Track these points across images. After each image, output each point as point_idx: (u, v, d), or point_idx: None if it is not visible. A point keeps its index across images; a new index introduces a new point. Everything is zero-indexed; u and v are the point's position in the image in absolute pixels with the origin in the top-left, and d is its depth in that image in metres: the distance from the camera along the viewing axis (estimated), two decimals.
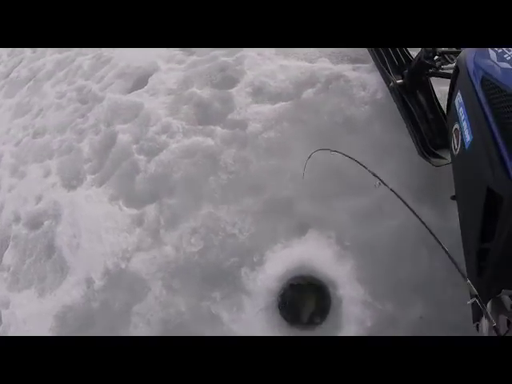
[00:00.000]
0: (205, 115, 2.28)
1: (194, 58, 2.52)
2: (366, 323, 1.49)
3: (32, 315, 1.95)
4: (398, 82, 1.88)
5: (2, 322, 2.05)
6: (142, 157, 2.20)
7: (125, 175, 2.17)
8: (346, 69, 2.16)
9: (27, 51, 3.62)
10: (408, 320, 1.46)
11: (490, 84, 1.07)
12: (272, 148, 2.03)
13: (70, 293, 1.90)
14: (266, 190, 1.91)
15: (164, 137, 2.23)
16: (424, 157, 1.71)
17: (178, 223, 1.92)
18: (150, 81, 2.49)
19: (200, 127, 2.23)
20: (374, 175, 1.23)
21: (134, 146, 2.25)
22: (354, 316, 1.50)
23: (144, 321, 1.70)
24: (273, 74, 2.27)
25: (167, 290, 1.73)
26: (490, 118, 1.07)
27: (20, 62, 3.57)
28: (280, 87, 2.22)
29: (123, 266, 1.86)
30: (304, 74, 2.22)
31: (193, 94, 2.36)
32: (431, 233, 1.02)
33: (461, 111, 1.25)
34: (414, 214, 1.07)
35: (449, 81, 1.40)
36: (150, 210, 2.01)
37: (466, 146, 1.20)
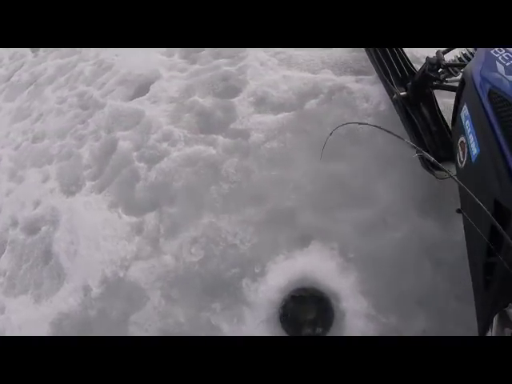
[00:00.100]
0: (207, 124, 2.27)
1: (196, 66, 2.53)
2: None
3: (28, 321, 1.90)
4: (402, 94, 1.88)
5: None
6: (142, 164, 2.18)
7: (125, 182, 2.15)
8: (348, 80, 2.17)
9: (29, 55, 3.62)
10: (411, 333, 1.43)
11: (497, 97, 1.07)
12: (274, 158, 2.02)
13: (66, 300, 1.86)
14: (268, 200, 1.89)
15: (165, 145, 2.21)
16: (427, 169, 1.71)
17: (178, 232, 1.89)
18: (152, 88, 2.49)
19: (202, 136, 2.22)
20: (414, 146, 1.20)
21: (135, 154, 2.23)
22: (357, 329, 1.47)
23: (142, 331, 1.66)
24: (275, 85, 2.27)
25: (166, 299, 1.70)
26: (498, 131, 1.07)
27: (21, 65, 3.55)
28: (283, 98, 2.22)
29: (121, 274, 1.82)
30: (307, 85, 2.22)
31: (195, 102, 2.35)
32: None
33: (467, 124, 1.25)
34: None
35: (452, 93, 1.41)
36: (150, 218, 1.98)
37: (473, 159, 1.20)
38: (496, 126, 1.08)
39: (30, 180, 2.47)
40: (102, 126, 2.44)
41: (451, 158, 1.71)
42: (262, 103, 2.23)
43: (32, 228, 2.23)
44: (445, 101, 1.90)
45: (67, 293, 1.89)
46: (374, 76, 2.13)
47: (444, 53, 1.64)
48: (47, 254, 2.08)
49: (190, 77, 2.48)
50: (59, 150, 2.48)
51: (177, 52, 2.68)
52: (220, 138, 2.16)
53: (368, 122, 1.86)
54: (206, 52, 2.59)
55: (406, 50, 2.08)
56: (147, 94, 2.48)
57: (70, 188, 2.28)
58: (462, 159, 1.31)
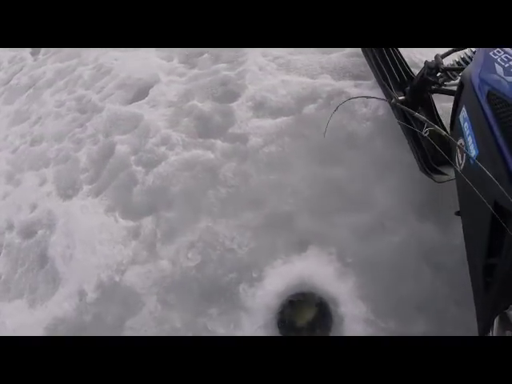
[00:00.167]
0: (205, 128, 2.26)
1: (195, 71, 2.53)
2: None
3: (22, 326, 1.88)
4: (400, 98, 1.88)
5: None
6: (140, 168, 2.17)
7: (122, 186, 2.14)
8: (347, 85, 2.17)
9: (28, 59, 3.63)
10: None
11: (496, 98, 1.07)
12: (273, 162, 2.01)
13: (61, 305, 1.84)
14: (266, 204, 1.88)
15: (163, 149, 2.21)
16: (426, 173, 1.70)
17: (175, 237, 1.87)
18: (151, 92, 2.49)
19: (200, 140, 2.21)
20: (425, 121, 1.19)
21: (133, 158, 2.22)
22: (356, 334, 1.45)
23: None
24: (274, 89, 2.27)
25: (162, 305, 1.67)
26: (497, 132, 1.06)
27: (21, 69, 3.56)
28: (281, 102, 2.22)
29: (117, 279, 1.80)
30: (305, 90, 2.22)
31: (193, 106, 2.35)
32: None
33: (465, 126, 1.24)
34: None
35: (451, 98, 1.40)
36: (147, 222, 1.96)
37: (472, 161, 1.19)
38: (495, 128, 1.07)
39: (26, 183, 2.45)
40: (100, 130, 2.44)
41: (449, 163, 1.72)
42: (260, 108, 2.23)
43: (28, 232, 2.22)
44: (443, 105, 1.89)
45: (62, 297, 1.86)
46: (372, 81, 2.13)
47: (443, 57, 1.64)
48: (43, 258, 2.06)
49: (189, 81, 2.48)
50: (57, 154, 2.48)
51: (176, 56, 2.69)
52: (218, 143, 2.16)
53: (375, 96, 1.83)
54: (206, 57, 2.60)
55: (404, 54, 2.09)
56: (146, 98, 2.48)
57: (67, 191, 2.27)
58: (460, 161, 1.30)
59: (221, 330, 1.56)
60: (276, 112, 2.19)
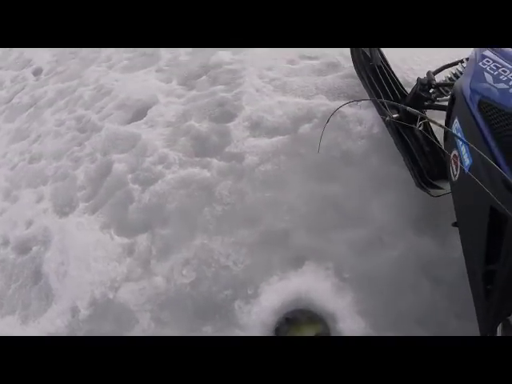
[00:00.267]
0: (202, 148, 2.28)
1: (193, 92, 2.59)
2: None
3: None
4: (394, 116, 1.91)
5: None
6: (136, 186, 2.17)
7: (118, 204, 2.13)
8: (342, 105, 2.21)
9: (30, 78, 3.72)
10: None
11: (487, 106, 1.08)
12: (268, 180, 2.01)
13: (54, 321, 1.80)
14: (262, 221, 1.87)
15: (160, 167, 2.22)
16: (422, 188, 1.70)
17: (169, 254, 1.85)
18: (149, 113, 2.53)
19: (197, 159, 2.22)
20: (418, 113, 1.18)
21: (130, 176, 2.23)
22: None
23: None
24: (270, 110, 2.31)
25: (156, 322, 1.62)
26: (489, 138, 1.07)
27: (23, 88, 3.64)
28: (277, 122, 2.25)
29: (111, 296, 1.76)
30: (301, 110, 2.26)
31: (191, 126, 2.38)
32: None
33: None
34: None
35: (444, 114, 1.43)
36: (142, 239, 1.94)
37: (466, 170, 1.19)
38: (487, 135, 1.08)
39: (24, 200, 2.46)
40: (98, 149, 2.46)
41: (445, 176, 1.72)
42: (256, 127, 2.26)
43: (23, 248, 2.21)
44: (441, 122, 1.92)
45: (55, 314, 1.83)
46: (367, 101, 2.17)
47: (434, 73, 1.69)
48: (37, 275, 2.04)
49: (187, 102, 2.53)
50: (55, 171, 2.49)
51: (175, 78, 2.76)
52: (214, 161, 2.17)
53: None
54: (204, 79, 2.67)
55: (398, 75, 2.15)
56: (144, 119, 2.52)
57: (64, 209, 2.27)
58: (455, 172, 1.30)
59: None
60: (272, 131, 2.22)
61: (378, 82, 2.10)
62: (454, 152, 1.30)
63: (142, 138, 2.41)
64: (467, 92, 1.19)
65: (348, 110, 2.18)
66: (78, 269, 1.90)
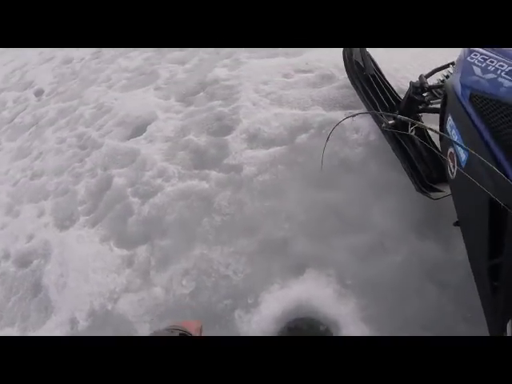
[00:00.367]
0: (200, 161, 2.30)
1: (191, 108, 2.63)
2: None
3: None
4: (390, 122, 1.92)
5: None
6: (136, 199, 2.17)
7: (118, 217, 2.12)
8: (338, 115, 2.23)
9: (32, 99, 3.80)
10: None
11: (478, 98, 1.09)
12: (267, 190, 2.01)
13: (52, 333, 1.77)
14: (261, 230, 1.85)
15: (159, 180, 2.22)
16: (422, 192, 1.69)
17: (169, 264, 1.82)
18: (149, 129, 2.56)
19: (195, 171, 2.23)
20: (408, 120, 1.16)
21: (129, 189, 2.24)
22: None
23: None
24: (267, 122, 2.34)
25: None
26: (482, 129, 1.07)
27: (25, 108, 3.72)
28: (274, 133, 2.27)
29: (109, 307, 1.73)
30: (297, 121, 2.29)
31: (189, 141, 2.41)
32: None
33: (453, 133, 1.25)
34: None
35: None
36: (141, 251, 1.92)
37: (463, 165, 1.18)
38: (480, 126, 1.08)
39: (25, 214, 2.47)
40: (98, 164, 2.48)
41: (444, 179, 1.71)
42: (254, 139, 2.28)
43: (23, 261, 2.21)
44: (434, 127, 1.93)
45: (53, 325, 1.81)
46: (362, 109, 2.19)
47: (426, 76, 1.71)
48: (36, 287, 2.03)
49: (185, 118, 2.57)
50: (56, 187, 2.52)
51: (173, 95, 2.81)
52: (213, 173, 2.18)
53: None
54: (201, 95, 2.71)
55: (392, 83, 2.17)
56: (144, 134, 2.55)
57: (64, 222, 2.27)
58: (452, 170, 1.29)
59: None
60: (269, 143, 2.23)
61: (373, 91, 2.13)
62: (450, 150, 1.30)
63: (141, 153, 2.43)
64: (458, 88, 1.20)
65: (344, 120, 2.20)
66: (77, 280, 1.89)
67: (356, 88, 2.25)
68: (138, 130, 2.61)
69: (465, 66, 1.17)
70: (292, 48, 2.84)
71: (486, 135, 1.05)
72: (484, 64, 1.07)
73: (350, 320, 1.44)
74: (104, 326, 1.68)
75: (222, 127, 2.44)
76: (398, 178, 1.83)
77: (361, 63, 2.22)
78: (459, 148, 1.21)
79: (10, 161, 3.06)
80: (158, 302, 1.68)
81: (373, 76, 2.17)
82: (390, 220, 1.73)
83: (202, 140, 2.40)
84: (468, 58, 1.15)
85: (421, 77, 1.69)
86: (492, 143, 1.04)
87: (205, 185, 2.13)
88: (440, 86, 1.65)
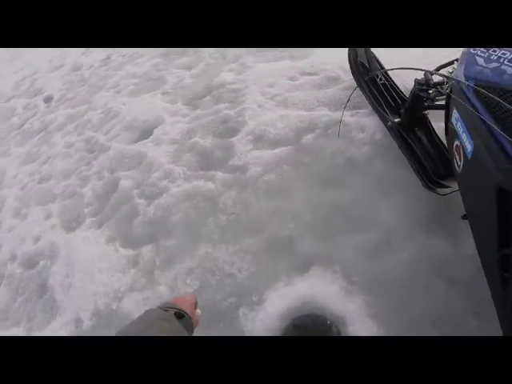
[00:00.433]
0: (206, 162, 2.31)
1: (198, 111, 2.65)
2: None
3: None
4: (396, 120, 1.91)
5: None
6: (142, 201, 2.18)
7: (124, 218, 2.14)
8: (344, 115, 2.23)
9: (41, 105, 3.87)
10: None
11: (482, 88, 1.07)
12: (272, 190, 2.01)
13: (57, 333, 1.77)
14: (267, 229, 1.84)
15: (165, 182, 2.23)
16: (430, 188, 1.66)
17: (173, 264, 1.82)
18: (155, 132, 2.59)
19: (201, 172, 2.24)
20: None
21: (135, 191, 2.25)
22: None
23: None
24: (273, 123, 2.34)
25: None
26: (487, 118, 1.05)
27: (34, 115, 3.79)
28: (280, 134, 2.27)
29: (114, 306, 1.73)
30: (303, 122, 2.29)
31: (195, 143, 2.42)
32: None
33: (458, 126, 1.24)
34: None
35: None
36: (146, 251, 1.93)
37: (469, 156, 1.16)
38: (485, 115, 1.07)
39: (32, 217, 2.50)
40: (105, 167, 2.51)
41: (452, 174, 1.69)
42: (259, 140, 2.28)
43: (30, 262, 2.23)
44: (440, 125, 1.91)
45: (59, 325, 1.81)
46: (368, 109, 2.19)
47: (431, 73, 1.70)
48: (42, 288, 2.05)
49: (191, 121, 2.59)
50: (63, 190, 2.55)
51: (180, 100, 2.83)
52: (219, 174, 2.18)
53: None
54: (208, 98, 2.74)
55: (397, 82, 2.17)
56: (150, 137, 2.57)
57: (71, 224, 2.30)
58: (459, 163, 1.27)
59: None
60: (275, 143, 2.23)
61: (378, 90, 2.13)
62: (456, 143, 1.28)
63: (148, 156, 2.45)
64: (461, 79, 1.19)
65: (350, 120, 2.20)
66: (83, 281, 1.90)
67: (362, 89, 2.25)
68: (145, 133, 2.64)
69: (468, 58, 1.16)
70: (298, 51, 2.85)
71: (491, 122, 1.04)
72: (487, 54, 1.06)
73: (356, 317, 1.41)
74: (108, 325, 1.67)
75: (227, 129, 2.46)
76: (405, 175, 1.81)
77: (366, 64, 2.22)
78: (465, 140, 1.19)
79: (18, 165, 3.12)
80: (162, 300, 1.66)
81: (378, 76, 2.16)
82: (396, 217, 1.70)
83: (207, 142, 2.41)
84: (471, 50, 1.15)
85: (426, 74, 1.68)
86: (498, 133, 1.02)
87: (210, 185, 2.13)
88: (445, 81, 1.64)
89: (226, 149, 2.33)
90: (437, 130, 1.87)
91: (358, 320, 1.40)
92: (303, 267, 1.64)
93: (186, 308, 0.80)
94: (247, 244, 1.80)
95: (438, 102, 1.72)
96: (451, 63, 1.70)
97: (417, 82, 1.69)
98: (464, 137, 1.19)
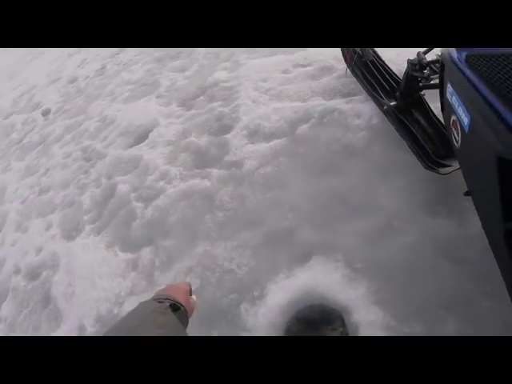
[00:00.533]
0: (202, 161, 2.28)
1: (192, 112, 2.62)
2: None
3: None
4: (392, 103, 1.86)
5: None
6: (139, 204, 2.16)
7: (122, 223, 2.11)
8: (339, 103, 2.18)
9: (39, 119, 3.92)
10: None
11: (474, 58, 1.02)
12: (269, 182, 1.96)
13: None
14: (265, 222, 1.79)
15: (162, 183, 2.21)
16: (430, 168, 1.60)
17: (172, 264, 1.78)
18: (150, 135, 2.57)
19: (197, 171, 2.21)
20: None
21: (133, 195, 2.23)
22: None
23: None
24: (267, 117, 2.30)
25: None
26: (482, 88, 1.00)
27: (32, 129, 3.84)
28: (274, 127, 2.23)
29: (116, 311, 1.70)
30: (297, 113, 2.24)
31: (190, 142, 2.39)
32: None
33: (453, 99, 1.19)
34: None
35: None
36: (145, 253, 1.90)
37: (466, 129, 1.11)
38: (479, 85, 1.02)
39: (34, 229, 2.51)
40: (102, 174, 2.50)
41: (452, 153, 1.63)
42: (254, 135, 2.24)
43: (33, 274, 2.23)
44: (438, 105, 1.86)
45: (63, 334, 1.79)
46: (363, 95, 2.14)
47: (424, 53, 1.65)
48: (46, 299, 2.04)
49: (186, 121, 2.57)
50: (62, 200, 2.55)
51: (174, 101, 2.82)
52: (214, 171, 2.15)
53: None
54: (201, 98, 2.71)
55: (392, 67, 2.11)
56: (146, 141, 2.56)
57: (71, 233, 2.29)
58: (457, 138, 1.22)
59: None
60: (270, 136, 2.19)
61: (372, 76, 2.08)
62: (453, 118, 1.23)
63: (143, 159, 2.43)
64: (453, 53, 1.15)
65: (345, 107, 2.15)
66: (84, 287, 1.89)
67: (356, 75, 2.21)
68: (141, 137, 2.63)
69: None
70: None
71: (488, 94, 0.99)
72: None
73: (361, 304, 1.35)
74: None
75: (222, 126, 2.43)
76: (404, 157, 1.75)
77: (359, 50, 2.17)
78: (461, 113, 1.14)
79: (18, 179, 3.14)
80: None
81: (371, 62, 2.12)
82: (398, 200, 1.64)
83: (202, 140, 2.38)
84: None
85: (418, 54, 1.63)
86: (495, 101, 0.97)
87: (206, 183, 2.10)
88: (438, 60, 1.58)
89: (221, 146, 2.29)
90: (435, 112, 1.81)
91: (363, 308, 1.34)
92: (304, 258, 1.59)
93: (181, 297, 0.78)
94: (246, 238, 1.76)
95: (432, 82, 1.67)
96: None
97: (410, 62, 1.64)
98: (460, 110, 1.14)
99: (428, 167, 1.62)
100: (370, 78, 2.08)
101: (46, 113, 3.93)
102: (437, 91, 1.71)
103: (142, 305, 0.72)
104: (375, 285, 1.40)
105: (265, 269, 1.60)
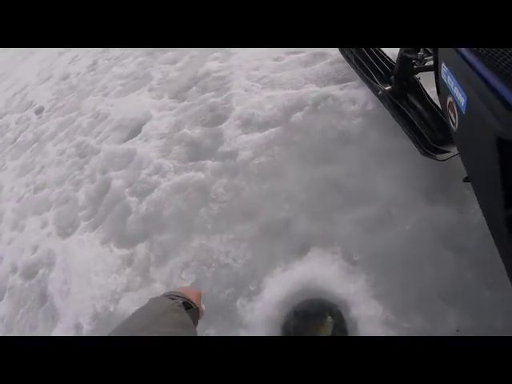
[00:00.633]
0: (196, 153, 2.24)
1: (184, 103, 2.57)
2: None
3: None
4: (387, 88, 1.81)
5: None
6: (134, 198, 2.13)
7: (117, 218, 2.09)
8: (333, 89, 2.13)
9: (33, 118, 3.88)
10: (444, 334, 1.17)
11: None
12: (264, 172, 1.92)
13: None
14: (261, 214, 1.76)
15: (156, 177, 2.17)
16: (428, 155, 1.55)
17: (168, 259, 1.76)
18: (144, 129, 2.53)
19: (191, 163, 2.17)
20: None
21: (127, 190, 2.20)
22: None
23: None
24: (260, 105, 2.25)
25: None
26: (478, 65, 0.95)
27: (26, 127, 3.83)
28: (268, 116, 2.18)
29: (112, 308, 1.69)
30: (291, 101, 2.19)
31: (184, 134, 2.35)
32: None
33: (449, 80, 1.14)
34: None
35: None
36: (141, 248, 1.87)
37: (463, 111, 1.06)
38: (476, 64, 0.97)
39: (30, 227, 2.50)
40: (97, 169, 2.48)
41: (450, 139, 1.58)
42: (248, 124, 2.20)
43: (30, 272, 2.22)
44: (434, 90, 1.80)
45: (59, 332, 1.79)
46: (357, 81, 2.09)
47: None
48: (43, 297, 2.03)
49: (179, 113, 2.52)
50: (58, 197, 2.54)
51: (166, 94, 2.77)
52: (208, 163, 2.11)
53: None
54: (194, 89, 2.66)
55: (386, 51, 2.05)
56: (139, 135, 2.52)
57: (66, 230, 2.28)
58: (454, 120, 1.17)
59: None
60: (264, 125, 2.15)
61: (366, 60, 2.02)
62: (449, 99, 1.18)
63: (137, 153, 2.39)
64: None
65: (339, 93, 2.09)
66: (80, 285, 1.88)
67: (349, 60, 2.15)
68: (134, 131, 2.59)
69: None
70: None
71: (484, 71, 0.94)
72: None
73: (360, 298, 1.32)
74: (107, 328, 1.61)
75: (215, 117, 2.38)
76: (401, 143, 1.70)
77: None
78: (457, 94, 1.09)
79: (14, 178, 3.12)
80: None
81: None
82: (395, 188, 1.60)
83: (196, 132, 2.34)
84: None
85: None
86: (492, 78, 0.92)
87: (201, 175, 2.06)
88: None
89: (215, 137, 2.25)
90: (431, 96, 1.76)
91: (362, 302, 1.30)
92: (301, 249, 1.55)
93: (192, 296, 0.78)
94: (242, 231, 1.73)
95: (427, 64, 1.61)
96: None
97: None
98: (456, 91, 1.09)
99: (425, 153, 1.57)
100: (363, 62, 2.02)
101: (39, 111, 3.89)
102: (432, 75, 1.67)
103: (155, 301, 0.71)
104: (374, 277, 1.37)
105: (262, 262, 1.57)
